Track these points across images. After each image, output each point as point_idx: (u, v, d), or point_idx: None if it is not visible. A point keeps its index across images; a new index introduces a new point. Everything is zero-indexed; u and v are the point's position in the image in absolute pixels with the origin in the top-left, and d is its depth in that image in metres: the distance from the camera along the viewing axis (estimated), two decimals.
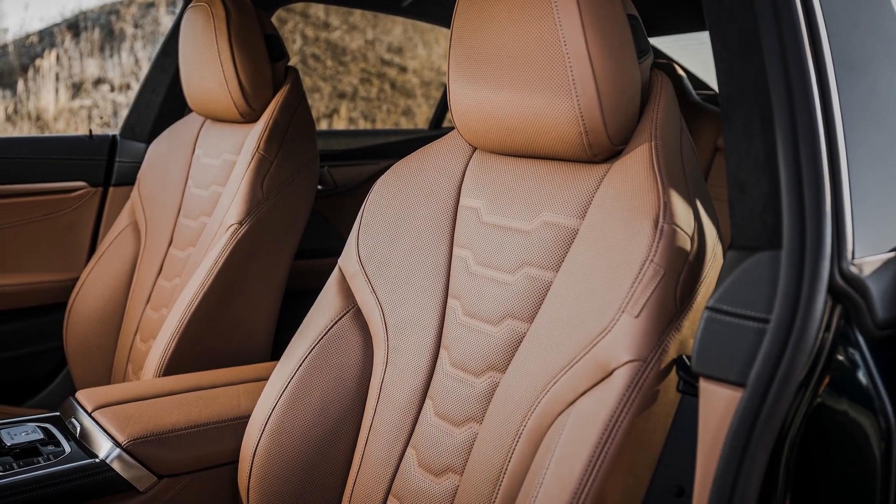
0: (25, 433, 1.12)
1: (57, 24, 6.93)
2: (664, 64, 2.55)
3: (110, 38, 6.85)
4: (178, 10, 2.00)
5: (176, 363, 1.44)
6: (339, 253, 1.16)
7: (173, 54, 1.92)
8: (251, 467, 1.07)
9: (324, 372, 1.09)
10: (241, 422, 1.17)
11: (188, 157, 1.76)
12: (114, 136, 2.01)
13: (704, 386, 0.69)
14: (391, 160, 1.91)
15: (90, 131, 1.99)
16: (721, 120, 0.72)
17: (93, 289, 1.76)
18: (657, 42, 2.78)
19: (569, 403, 0.85)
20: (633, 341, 0.81)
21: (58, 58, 6.51)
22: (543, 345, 0.90)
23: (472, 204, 1.07)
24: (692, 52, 2.90)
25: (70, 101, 6.33)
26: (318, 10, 7.37)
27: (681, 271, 0.83)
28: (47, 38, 6.77)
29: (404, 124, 7.62)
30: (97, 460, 1.07)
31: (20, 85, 6.27)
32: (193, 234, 1.66)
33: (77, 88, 6.47)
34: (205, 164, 1.71)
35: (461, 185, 1.10)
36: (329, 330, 1.10)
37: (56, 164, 1.91)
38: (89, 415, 1.14)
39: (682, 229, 0.84)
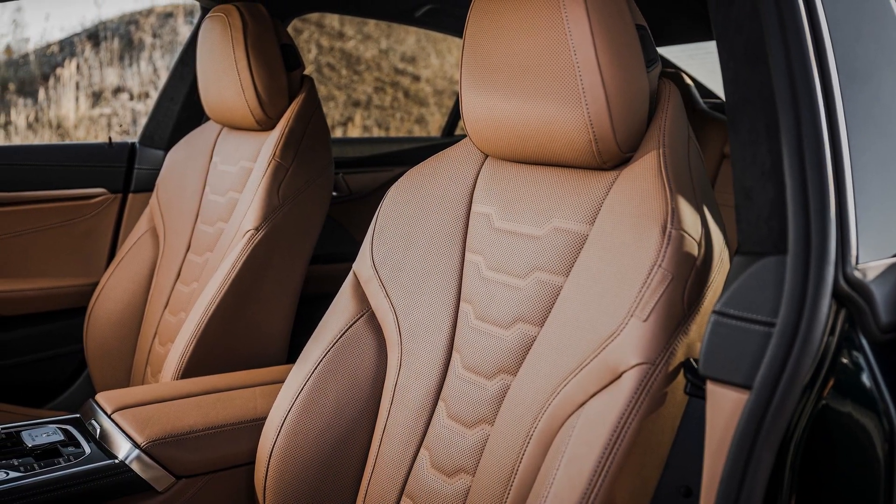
0: (46, 434, 1.14)
1: (77, 34, 7.01)
2: (672, 73, 2.56)
3: (129, 48, 6.93)
4: (195, 20, 2.03)
5: (194, 366, 1.45)
6: (353, 258, 1.18)
7: (191, 63, 1.95)
8: (267, 468, 1.09)
9: (338, 375, 1.10)
10: (257, 423, 1.19)
11: (206, 164, 1.78)
12: (133, 144, 2.04)
13: (711, 388, 0.70)
14: (405, 167, 1.92)
15: (110, 139, 2.02)
16: (727, 128, 0.73)
17: (112, 293, 1.78)
18: (665, 51, 2.79)
19: (578, 405, 0.86)
20: (641, 344, 0.82)
21: (78, 67, 6.59)
22: (554, 348, 0.92)
23: (483, 210, 1.09)
24: (699, 62, 2.90)
25: (90, 110, 6.41)
26: (333, 20, 7.41)
27: (688, 276, 0.84)
28: (68, 47, 6.86)
29: (417, 132, 7.64)
30: (116, 461, 1.09)
31: (41, 93, 6.35)
32: (211, 239, 1.68)
33: (97, 97, 6.55)
34: (222, 171, 1.73)
35: (473, 191, 1.11)
36: (343, 334, 1.12)
37: (76, 171, 1.95)
38: (109, 416, 1.16)
39: (689, 235, 0.85)
